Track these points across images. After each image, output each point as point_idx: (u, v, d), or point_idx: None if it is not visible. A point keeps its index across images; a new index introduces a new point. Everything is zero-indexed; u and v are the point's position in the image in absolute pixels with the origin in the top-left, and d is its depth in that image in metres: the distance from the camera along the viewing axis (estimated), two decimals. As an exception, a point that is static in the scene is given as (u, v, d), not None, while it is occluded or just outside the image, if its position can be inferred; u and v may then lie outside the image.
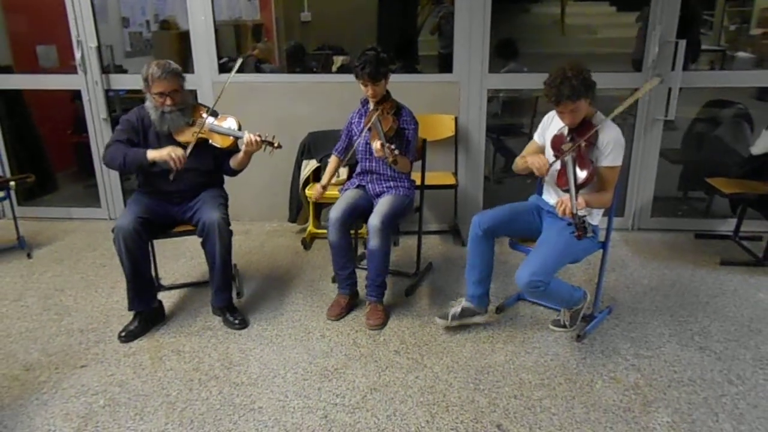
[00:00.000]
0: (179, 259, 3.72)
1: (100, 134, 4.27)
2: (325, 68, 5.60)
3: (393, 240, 3.83)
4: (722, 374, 2.52)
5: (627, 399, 2.37)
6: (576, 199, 2.38)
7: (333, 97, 3.99)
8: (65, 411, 2.33)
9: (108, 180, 4.39)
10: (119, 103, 4.73)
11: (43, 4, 5.25)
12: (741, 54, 6.71)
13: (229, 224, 2.82)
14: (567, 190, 2.45)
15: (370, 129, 2.93)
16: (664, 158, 4.10)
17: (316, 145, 3.89)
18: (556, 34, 8.69)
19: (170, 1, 6.91)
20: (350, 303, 3.07)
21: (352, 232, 3.31)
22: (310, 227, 3.99)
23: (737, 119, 4.33)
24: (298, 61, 5.20)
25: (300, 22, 7.58)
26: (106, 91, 4.20)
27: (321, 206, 4.01)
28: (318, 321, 2.98)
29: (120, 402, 2.38)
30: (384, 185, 3.06)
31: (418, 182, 3.25)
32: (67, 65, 5.09)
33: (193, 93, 3.96)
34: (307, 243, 3.93)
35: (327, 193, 3.42)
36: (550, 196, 2.80)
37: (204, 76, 4.06)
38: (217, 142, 2.85)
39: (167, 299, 3.16)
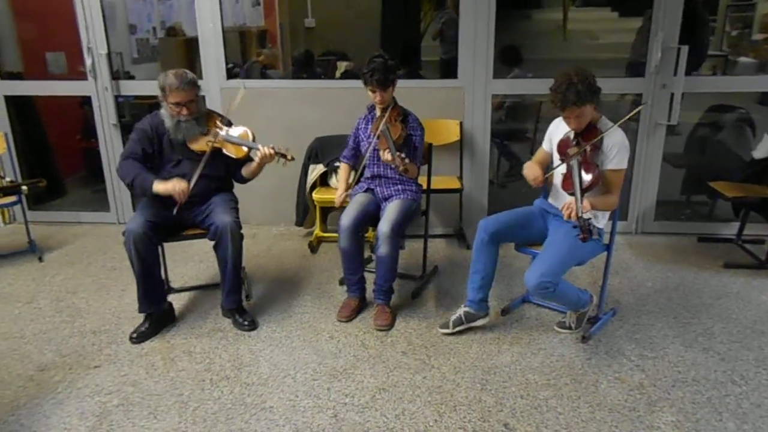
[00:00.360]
0: (188, 262, 3.77)
1: (109, 140, 4.33)
2: (329, 74, 5.67)
3: (400, 244, 3.87)
4: (726, 374, 2.56)
5: (632, 399, 2.41)
6: (581, 203, 2.42)
7: (339, 103, 4.04)
8: (80, 410, 2.37)
9: (117, 185, 4.44)
10: (128, 109, 4.80)
11: (52, 12, 5.33)
12: (743, 59, 6.75)
13: (240, 227, 2.87)
14: (572, 194, 2.49)
15: (378, 136, 2.98)
16: (667, 162, 4.15)
17: (323, 150, 3.94)
18: (558, 40, 8.75)
19: (176, 8, 7.00)
20: (360, 305, 3.12)
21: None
22: (317, 231, 4.04)
23: (739, 124, 4.37)
24: (307, 67, 5.27)
25: (304, 28, 7.66)
26: (116, 97, 4.26)
27: (328, 210, 4.06)
28: (326, 323, 3.03)
29: (134, 401, 2.42)
30: (392, 189, 3.11)
31: (425, 186, 3.30)
32: (75, 71, 5.17)
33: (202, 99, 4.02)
34: (314, 246, 3.97)
35: (333, 196, 3.49)
36: (557, 200, 2.84)
37: (212, 82, 4.12)
38: (231, 152, 2.90)
39: (177, 302, 3.20)
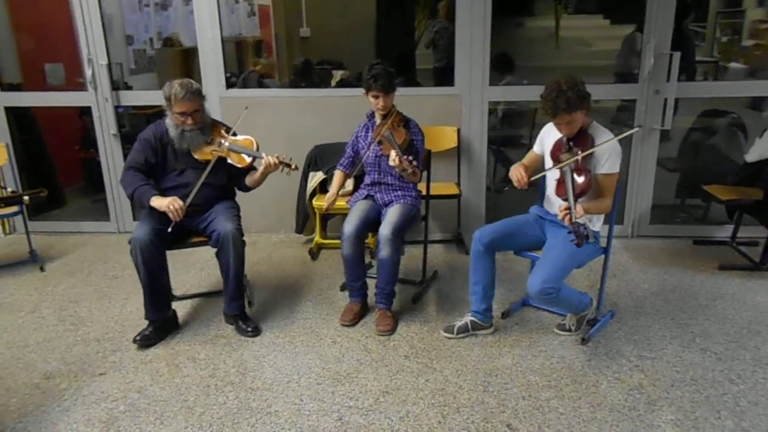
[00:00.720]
0: (189, 270, 3.80)
1: (110, 150, 4.36)
2: (325, 83, 5.72)
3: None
4: (723, 374, 2.60)
5: (632, 398, 2.45)
6: (574, 208, 2.47)
7: (337, 111, 4.09)
8: (87, 417, 2.39)
9: (117, 194, 4.47)
10: (127, 119, 4.83)
11: (50, 24, 5.37)
12: (733, 65, 6.85)
13: (242, 235, 2.91)
14: (566, 200, 2.54)
15: (380, 142, 3.02)
16: (662, 167, 4.21)
17: (322, 157, 3.99)
18: (550, 48, 8.84)
19: (173, 19, 7.05)
20: (362, 310, 3.15)
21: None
22: (317, 238, 4.08)
23: (731, 128, 4.45)
24: (306, 76, 5.32)
25: (299, 38, 7.72)
26: (116, 107, 4.29)
27: (327, 217, 4.10)
28: (329, 328, 3.06)
29: (140, 407, 2.45)
30: (392, 194, 3.15)
31: (424, 192, 3.34)
32: (73, 82, 5.20)
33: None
34: (314, 253, 4.01)
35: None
36: (552, 206, 2.89)
37: (212, 92, 4.16)
38: (235, 161, 2.94)
39: (180, 309, 3.23)
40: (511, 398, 2.46)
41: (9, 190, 4.25)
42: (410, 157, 2.86)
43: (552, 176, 2.74)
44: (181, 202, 2.77)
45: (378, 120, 3.13)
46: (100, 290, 3.57)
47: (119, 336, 3.02)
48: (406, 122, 3.11)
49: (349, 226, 3.01)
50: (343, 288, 3.44)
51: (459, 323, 2.93)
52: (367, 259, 3.48)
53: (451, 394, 2.50)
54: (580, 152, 2.59)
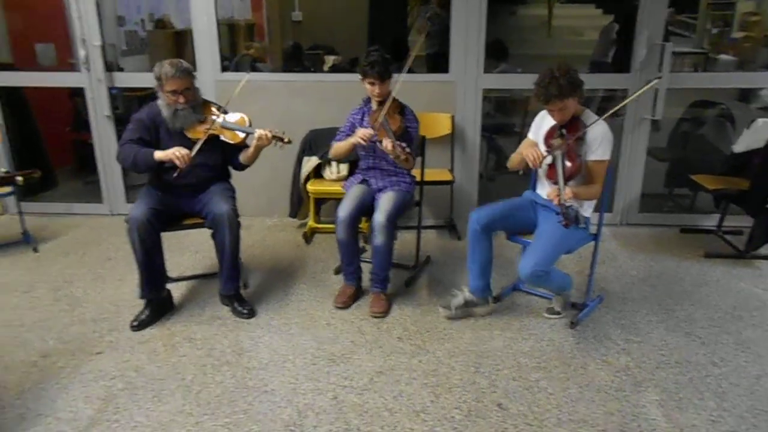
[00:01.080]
0: (184, 252, 3.82)
1: (103, 131, 4.34)
2: (317, 68, 5.71)
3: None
4: (706, 357, 2.68)
5: (618, 380, 2.52)
6: (564, 190, 2.52)
7: (331, 96, 4.10)
8: (85, 394, 2.43)
9: (110, 176, 4.46)
10: (120, 101, 4.81)
11: (41, 3, 5.31)
12: (723, 57, 6.93)
13: (237, 216, 2.94)
14: (556, 183, 2.60)
15: (377, 128, 3.04)
16: (651, 156, 4.28)
17: (316, 142, 4.00)
18: (542, 36, 8.87)
19: (165, 0, 6.99)
20: (356, 293, 3.20)
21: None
22: (311, 222, 4.11)
23: (720, 119, 4.52)
24: (295, 59, 5.31)
25: (291, 21, 7.69)
26: (110, 89, 4.27)
27: (321, 201, 4.13)
28: (323, 310, 3.10)
29: (137, 385, 2.48)
30: (387, 180, 3.19)
31: (418, 178, 3.38)
32: (64, 63, 5.16)
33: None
34: (308, 237, 4.04)
35: (327, 188, 3.73)
36: (544, 190, 2.94)
37: (206, 74, 4.15)
38: (228, 138, 2.96)
39: (175, 291, 3.25)
40: (502, 379, 2.53)
41: (2, 170, 4.23)
42: (404, 144, 2.90)
43: (546, 161, 2.79)
44: (186, 150, 2.80)
45: (374, 106, 3.15)
46: (94, 271, 3.58)
47: (115, 316, 3.04)
48: (402, 109, 3.14)
49: (344, 210, 3.05)
50: (337, 271, 3.49)
51: (455, 300, 2.99)
52: (361, 244, 3.53)
53: (444, 374, 2.56)
54: (571, 139, 2.64)
